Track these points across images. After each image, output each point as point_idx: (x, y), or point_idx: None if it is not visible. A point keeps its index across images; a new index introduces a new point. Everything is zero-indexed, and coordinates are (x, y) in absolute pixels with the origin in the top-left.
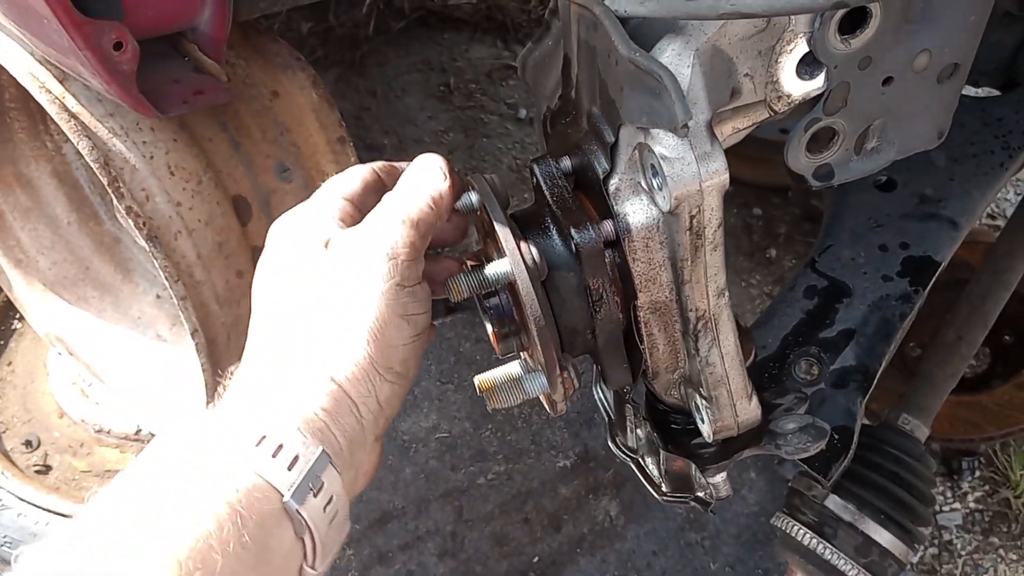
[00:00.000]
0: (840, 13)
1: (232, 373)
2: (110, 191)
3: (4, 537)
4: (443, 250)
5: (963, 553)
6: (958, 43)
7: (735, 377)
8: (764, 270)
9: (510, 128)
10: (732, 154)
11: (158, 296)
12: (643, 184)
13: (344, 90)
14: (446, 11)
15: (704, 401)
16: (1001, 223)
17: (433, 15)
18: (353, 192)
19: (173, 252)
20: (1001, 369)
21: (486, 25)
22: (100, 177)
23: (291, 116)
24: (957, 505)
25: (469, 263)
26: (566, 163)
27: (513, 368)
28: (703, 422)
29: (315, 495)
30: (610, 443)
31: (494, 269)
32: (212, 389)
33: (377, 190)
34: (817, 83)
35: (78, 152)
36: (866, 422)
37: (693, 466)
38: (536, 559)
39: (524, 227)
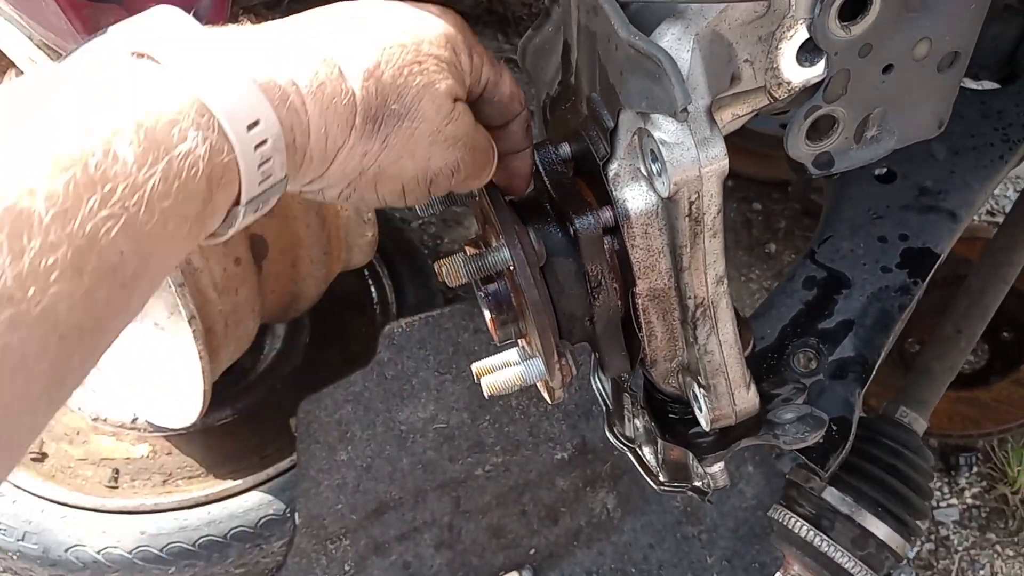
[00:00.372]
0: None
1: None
2: None
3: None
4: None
5: (960, 549)
6: (958, 31)
7: (733, 366)
8: (763, 265)
9: None
10: (732, 148)
11: None
12: (642, 170)
13: None
14: (447, 4)
15: (702, 390)
16: (1001, 220)
17: None
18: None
19: None
20: (1000, 365)
21: (487, 18)
22: None
23: None
24: (954, 501)
25: (468, 249)
26: (565, 149)
27: (511, 355)
28: (701, 411)
29: (248, 128)
30: (607, 433)
31: (492, 255)
32: (209, 377)
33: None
34: (817, 70)
35: None
36: (864, 415)
37: (691, 455)
38: (533, 551)
39: (523, 213)
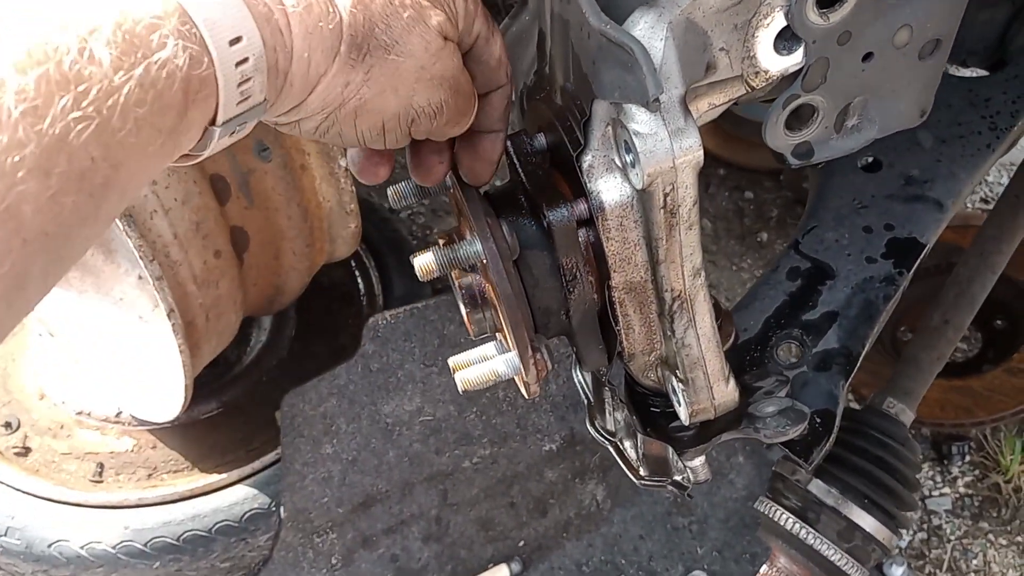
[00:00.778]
0: None
1: None
2: None
3: None
4: None
5: (952, 538)
6: (940, 18)
7: (712, 359)
8: (755, 254)
9: None
10: (724, 136)
11: (140, 277)
12: (617, 161)
13: None
14: None
15: (680, 384)
16: None
17: None
18: None
19: (148, 232)
20: (992, 354)
21: None
22: None
23: None
24: (947, 490)
25: (441, 242)
26: (541, 140)
27: (487, 349)
28: (680, 405)
29: (230, 44)
30: (588, 426)
31: (464, 248)
32: (191, 371)
33: None
34: (795, 59)
35: None
36: (856, 407)
37: (670, 450)
38: (522, 543)
39: (497, 206)
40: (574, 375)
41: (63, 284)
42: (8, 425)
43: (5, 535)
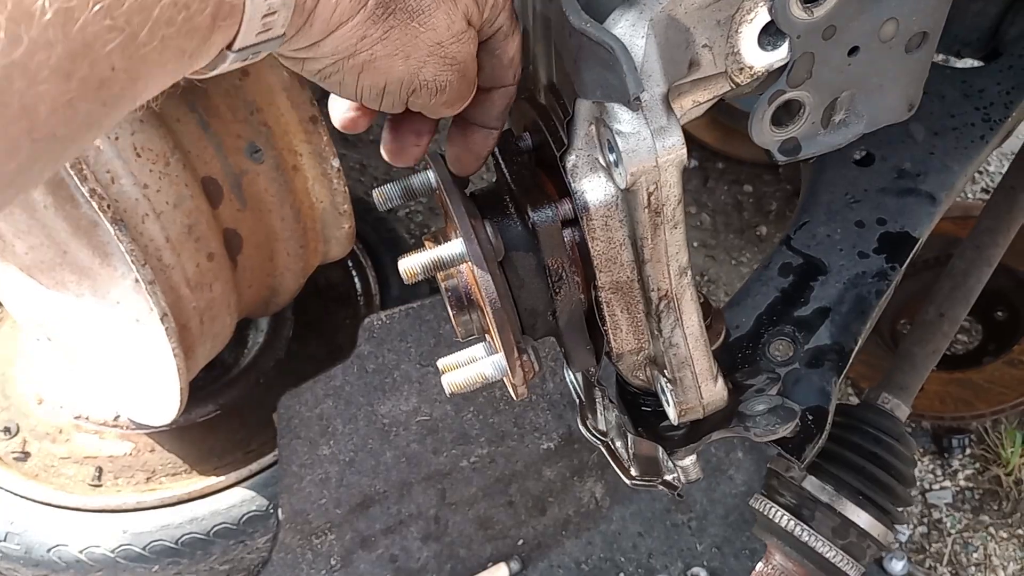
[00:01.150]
0: None
1: None
2: (72, 173)
3: None
4: None
5: (953, 531)
6: (926, 11)
7: (699, 358)
8: (754, 248)
9: None
10: (722, 129)
11: (136, 280)
12: (600, 161)
13: None
14: None
15: (668, 383)
16: None
17: None
18: None
19: (140, 235)
20: (993, 346)
21: None
22: None
23: (261, 95)
24: (947, 483)
25: (427, 243)
26: (527, 140)
27: (475, 351)
28: (668, 404)
29: None
30: (580, 426)
31: (448, 249)
32: (186, 374)
33: None
34: (780, 54)
35: None
36: (856, 401)
37: (660, 449)
38: (521, 542)
39: (482, 206)
40: (565, 375)
41: (60, 287)
42: (7, 430)
43: (4, 540)
